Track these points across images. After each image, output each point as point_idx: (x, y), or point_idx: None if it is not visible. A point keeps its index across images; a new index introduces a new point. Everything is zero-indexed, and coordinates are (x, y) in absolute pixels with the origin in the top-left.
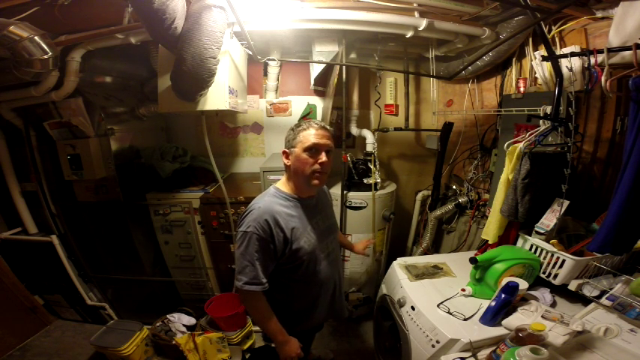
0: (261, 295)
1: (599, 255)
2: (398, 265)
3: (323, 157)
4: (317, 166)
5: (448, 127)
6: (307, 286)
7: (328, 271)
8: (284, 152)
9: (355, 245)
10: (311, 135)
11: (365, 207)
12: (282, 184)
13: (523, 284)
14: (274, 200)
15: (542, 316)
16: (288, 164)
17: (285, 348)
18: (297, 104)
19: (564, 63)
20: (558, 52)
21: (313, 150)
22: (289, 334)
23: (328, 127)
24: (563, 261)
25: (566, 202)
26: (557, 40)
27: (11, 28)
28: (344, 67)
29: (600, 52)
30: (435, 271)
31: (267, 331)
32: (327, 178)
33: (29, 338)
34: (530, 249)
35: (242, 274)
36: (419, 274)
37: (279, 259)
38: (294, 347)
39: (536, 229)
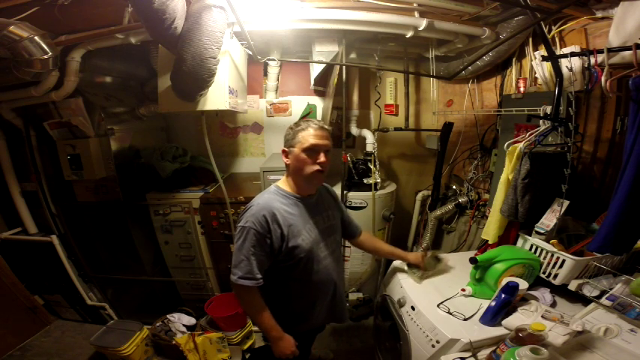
0: (256, 290)
1: (599, 255)
2: (398, 265)
3: (322, 158)
4: (316, 167)
5: (448, 127)
6: (305, 286)
7: (327, 272)
8: (283, 151)
9: (408, 255)
10: (310, 136)
11: (365, 207)
12: (283, 182)
13: (523, 284)
14: (274, 197)
15: (542, 316)
16: (288, 163)
17: (279, 344)
18: (297, 104)
19: (564, 63)
20: (558, 52)
21: (312, 151)
22: (289, 334)
23: (327, 126)
24: (563, 261)
25: (566, 202)
26: (557, 40)
27: (11, 28)
28: (344, 67)
29: (600, 52)
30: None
31: (261, 326)
32: (327, 178)
33: (29, 338)
34: (530, 249)
35: (237, 268)
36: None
37: (277, 256)
38: (289, 344)
39: (536, 229)
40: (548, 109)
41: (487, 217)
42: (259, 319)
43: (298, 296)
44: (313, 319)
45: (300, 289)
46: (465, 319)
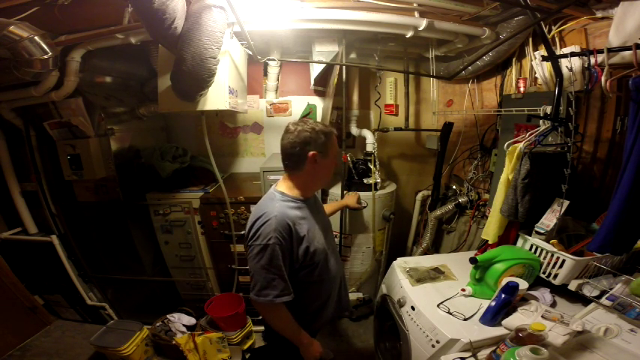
0: (284, 304)
1: (599, 255)
2: (398, 266)
3: None
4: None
5: (448, 127)
6: (322, 285)
7: (336, 267)
8: (313, 155)
9: (346, 202)
10: (336, 142)
11: (365, 207)
12: (286, 188)
13: (523, 284)
14: (285, 205)
15: (542, 316)
16: (313, 170)
17: (311, 349)
18: (297, 104)
19: (564, 63)
20: (558, 52)
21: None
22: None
23: None
24: (563, 261)
25: (566, 202)
26: (557, 40)
27: (11, 28)
28: (344, 67)
29: (600, 52)
30: (436, 275)
31: (296, 336)
32: None
33: (29, 338)
34: (530, 249)
35: (270, 289)
36: (420, 278)
37: (302, 263)
38: (318, 347)
39: (536, 229)
40: (548, 109)
41: (487, 217)
42: (295, 331)
43: (314, 297)
44: (324, 316)
45: (317, 289)
46: (465, 319)
